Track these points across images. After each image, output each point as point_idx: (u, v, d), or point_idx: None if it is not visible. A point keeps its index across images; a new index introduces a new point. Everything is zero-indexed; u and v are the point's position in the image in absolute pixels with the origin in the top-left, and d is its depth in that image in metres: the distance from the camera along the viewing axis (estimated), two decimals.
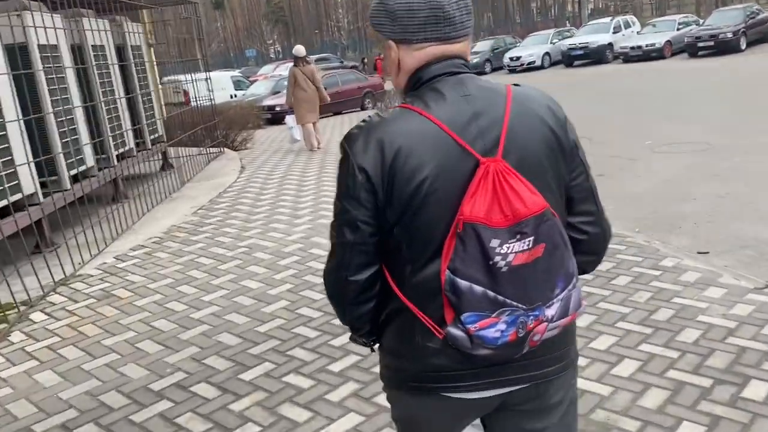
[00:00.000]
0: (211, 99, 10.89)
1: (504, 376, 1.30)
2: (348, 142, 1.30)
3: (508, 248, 1.17)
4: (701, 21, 23.65)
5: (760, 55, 18.82)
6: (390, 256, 1.31)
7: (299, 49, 10.75)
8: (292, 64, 11.38)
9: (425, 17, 1.28)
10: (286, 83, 20.53)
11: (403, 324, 1.31)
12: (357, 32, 61.46)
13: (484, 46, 28.27)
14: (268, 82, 21.50)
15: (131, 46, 8.52)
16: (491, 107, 1.28)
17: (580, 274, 1.39)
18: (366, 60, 37.04)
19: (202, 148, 10.49)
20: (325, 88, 18.26)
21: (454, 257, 1.19)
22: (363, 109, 18.77)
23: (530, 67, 24.76)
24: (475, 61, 26.61)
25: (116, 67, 7.69)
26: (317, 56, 37.53)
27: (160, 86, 11.44)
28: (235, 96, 21.80)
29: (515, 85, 1.37)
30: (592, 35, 23.93)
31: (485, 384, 1.30)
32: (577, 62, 24.11)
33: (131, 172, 7.85)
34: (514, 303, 1.19)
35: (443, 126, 1.24)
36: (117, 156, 7.51)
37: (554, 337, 1.28)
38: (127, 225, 6.36)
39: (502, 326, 1.19)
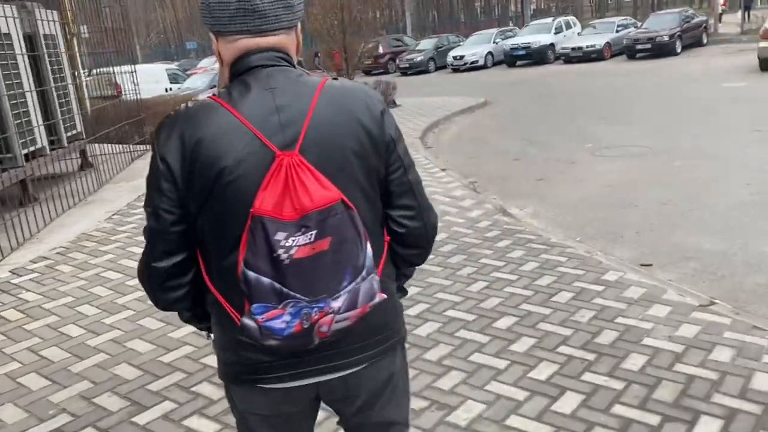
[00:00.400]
0: (136, 93, 10.22)
1: (311, 366, 1.34)
2: (155, 132, 1.33)
3: (293, 241, 1.20)
4: (639, 24, 24.11)
5: (695, 59, 19.27)
6: (200, 245, 1.35)
7: None
8: None
9: (235, 9, 1.30)
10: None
11: (221, 315, 1.35)
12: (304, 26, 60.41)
13: (427, 44, 28.11)
14: (205, 76, 20.70)
15: (44, 35, 7.82)
16: (297, 101, 1.30)
17: (408, 266, 1.54)
18: (320, 54, 35.97)
19: (127, 146, 9.83)
20: None
21: (247, 249, 1.22)
22: None
23: (473, 67, 24.73)
24: (419, 59, 26.50)
25: (24, 57, 7.01)
26: None
27: (86, 78, 10.71)
28: (170, 90, 20.92)
29: (334, 79, 1.40)
30: (534, 35, 24.08)
31: (297, 374, 1.35)
32: (519, 62, 24.23)
33: (45, 172, 7.19)
34: (298, 295, 1.22)
35: (243, 119, 1.27)
36: (25, 155, 6.84)
37: (355, 327, 1.31)
38: (30, 233, 5.75)
39: (287, 317, 1.23)
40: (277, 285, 1.21)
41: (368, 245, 1.29)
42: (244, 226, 1.22)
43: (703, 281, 4.13)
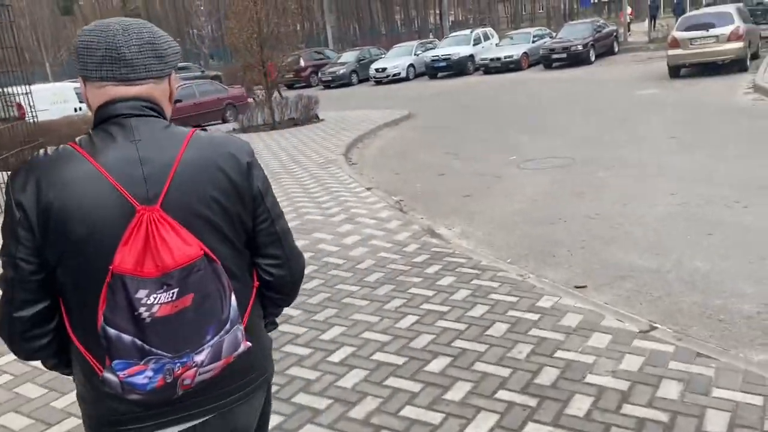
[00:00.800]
0: (32, 115, 9.41)
1: (176, 414, 1.34)
2: (11, 178, 1.30)
3: (154, 299, 1.19)
4: (554, 34, 24.78)
5: (608, 67, 19.90)
6: (61, 295, 1.32)
7: None
8: None
9: (101, 56, 1.29)
10: None
11: (83, 365, 1.33)
12: (221, 41, 59.22)
13: (349, 56, 27.90)
14: None
15: None
16: (162, 154, 1.28)
17: (274, 308, 1.55)
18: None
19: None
20: (180, 101, 17.04)
21: (107, 306, 1.20)
22: (225, 121, 17.62)
23: (396, 79, 24.69)
24: (341, 72, 26.23)
25: None
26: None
27: None
28: (80, 109, 19.74)
29: (203, 129, 1.40)
30: (453, 47, 24.29)
31: (161, 423, 1.33)
32: (440, 74, 24.36)
33: None
34: (160, 352, 1.22)
35: (103, 170, 1.25)
36: None
37: (220, 375, 1.32)
38: None
39: (150, 373, 1.22)
40: (138, 342, 1.20)
41: (233, 297, 1.29)
42: (104, 282, 1.20)
43: (640, 302, 3.96)
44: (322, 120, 15.38)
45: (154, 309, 1.19)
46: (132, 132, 1.28)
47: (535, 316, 3.70)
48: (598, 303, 3.90)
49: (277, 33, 14.82)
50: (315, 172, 8.62)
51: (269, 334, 1.56)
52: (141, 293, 1.18)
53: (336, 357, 3.42)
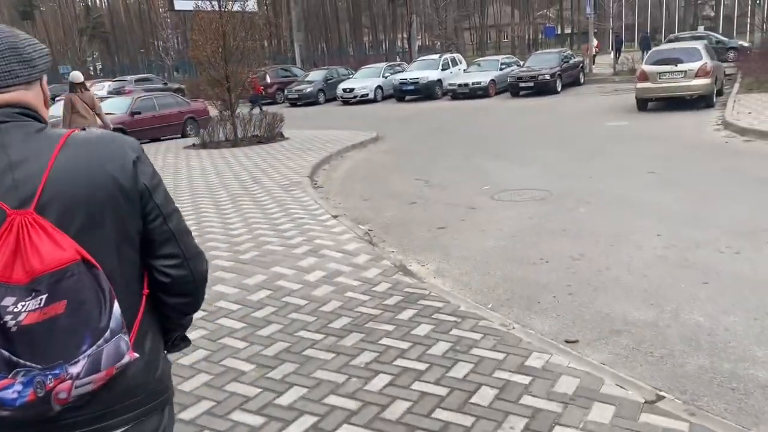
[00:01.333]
0: None
1: None
2: None
3: (22, 306, 1.15)
4: (521, 62, 24.86)
5: (576, 97, 19.92)
6: None
7: (76, 75, 9.94)
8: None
9: None
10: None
11: None
12: (186, 53, 58.06)
13: (317, 75, 27.48)
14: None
15: None
16: (34, 157, 1.25)
17: (179, 315, 1.49)
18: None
19: None
20: (139, 113, 16.30)
21: None
22: (185, 135, 16.91)
23: (363, 100, 24.36)
24: (308, 90, 25.78)
25: None
26: (138, 77, 34.54)
27: None
28: None
29: (82, 129, 1.44)
30: (422, 71, 24.11)
31: None
32: (408, 97, 24.14)
33: None
34: (29, 363, 1.16)
35: None
36: None
37: (104, 391, 1.25)
38: None
39: (19, 387, 1.16)
40: (5, 353, 1.15)
41: (115, 304, 1.24)
42: None
43: (640, 363, 3.53)
44: (287, 138, 14.84)
45: (21, 317, 1.14)
46: (1, 138, 1.25)
47: (525, 379, 3.23)
48: (594, 363, 3.45)
49: (243, 47, 14.29)
50: (278, 195, 8.07)
51: (184, 351, 1.48)
52: (8, 300, 1.14)
53: (295, 429, 2.88)
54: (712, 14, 51.26)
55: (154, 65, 55.77)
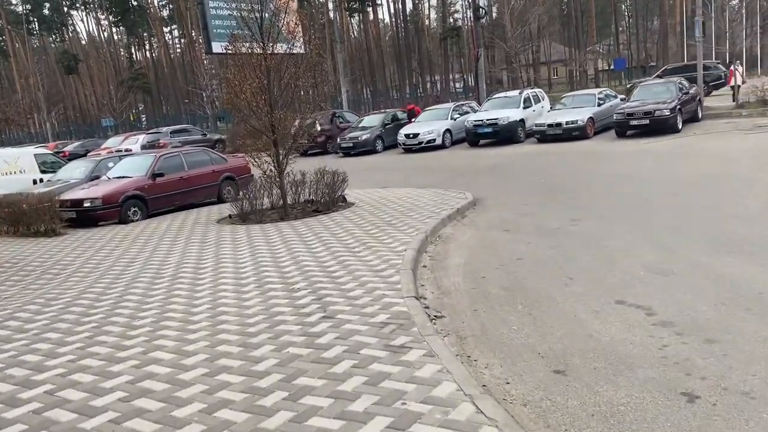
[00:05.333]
0: None
1: None
2: None
3: None
4: (620, 96, 20.82)
5: (707, 137, 15.76)
6: None
7: None
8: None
9: None
10: (110, 164, 14.81)
11: None
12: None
13: (373, 120, 23.94)
14: (85, 163, 15.47)
15: None
16: None
17: None
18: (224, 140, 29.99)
19: None
20: (162, 174, 12.85)
21: None
22: (221, 200, 13.40)
23: (429, 146, 20.68)
24: (364, 137, 22.28)
25: None
26: (174, 128, 31.76)
27: None
28: (41, 180, 15.63)
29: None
30: (500, 110, 20.28)
31: None
32: (482, 141, 20.37)
33: None
34: None
35: None
36: None
37: None
38: None
39: None
40: None
41: None
42: None
43: None
44: (351, 204, 11.12)
45: None
46: None
47: None
48: None
49: (294, 87, 10.74)
50: (367, 359, 4.14)
51: None
52: None
53: None
54: None
55: (197, 116, 53.77)
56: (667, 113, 16.74)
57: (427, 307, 5.26)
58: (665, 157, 13.53)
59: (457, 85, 61.01)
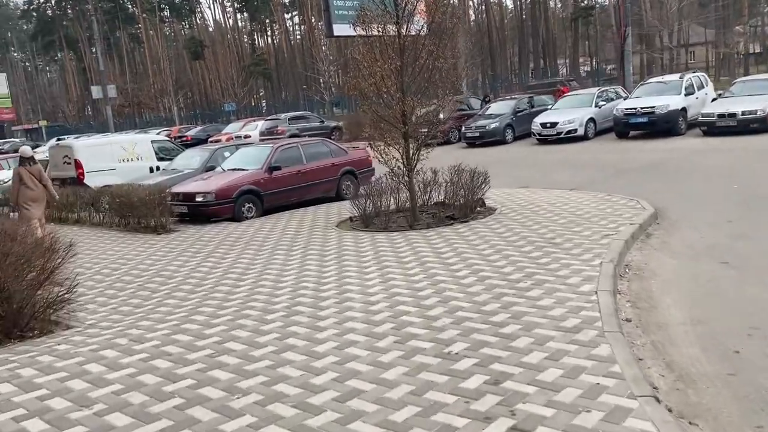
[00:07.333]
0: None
1: None
2: None
3: None
4: None
5: None
6: None
7: (25, 150, 9.80)
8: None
9: None
10: (226, 153, 13.99)
11: None
12: (345, 87, 55.01)
13: (503, 107, 21.69)
14: (200, 152, 14.62)
15: None
16: None
17: None
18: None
19: None
20: (279, 168, 11.63)
21: None
22: (340, 197, 12.01)
23: (568, 137, 18.27)
24: (492, 126, 20.20)
25: None
26: (292, 114, 31.13)
27: None
28: (157, 169, 14.98)
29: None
30: (657, 97, 17.44)
31: None
32: (633, 132, 17.68)
33: None
34: None
35: None
36: None
37: None
38: None
39: None
40: None
41: None
42: None
43: None
44: (492, 211, 9.25)
45: None
46: None
47: None
48: None
49: (431, 68, 8.98)
50: None
51: None
52: None
53: None
54: None
55: (314, 101, 53.68)
56: None
57: (670, 410, 3.33)
58: None
59: (583, 69, 56.85)
